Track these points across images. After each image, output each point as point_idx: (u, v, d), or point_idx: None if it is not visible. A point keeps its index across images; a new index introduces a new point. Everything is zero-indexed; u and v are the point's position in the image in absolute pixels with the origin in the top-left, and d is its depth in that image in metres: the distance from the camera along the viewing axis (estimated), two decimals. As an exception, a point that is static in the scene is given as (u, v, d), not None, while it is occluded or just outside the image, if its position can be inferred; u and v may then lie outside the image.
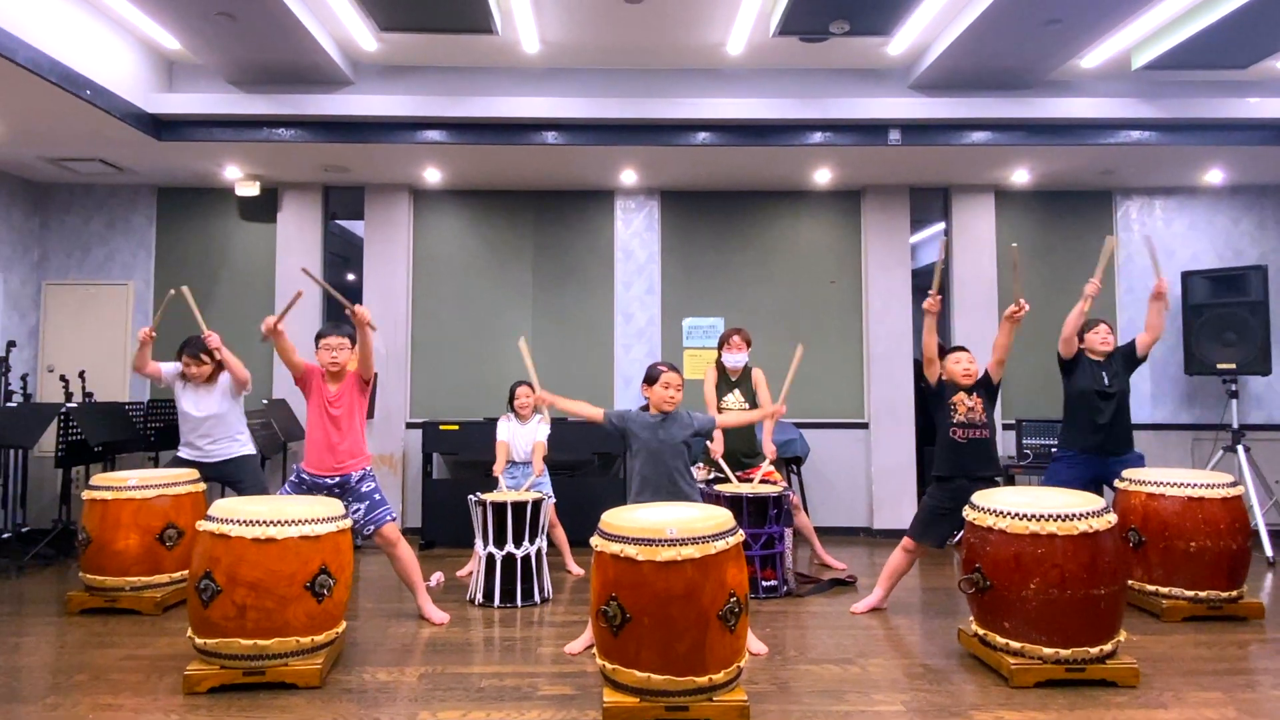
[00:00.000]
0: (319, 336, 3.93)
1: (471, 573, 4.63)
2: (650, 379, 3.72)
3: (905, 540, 4.10)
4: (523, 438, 4.92)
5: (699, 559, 2.76)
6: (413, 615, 4.08)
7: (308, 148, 5.37)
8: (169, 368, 4.56)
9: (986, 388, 4.07)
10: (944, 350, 7.91)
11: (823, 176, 6.14)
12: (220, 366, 4.55)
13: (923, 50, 4.99)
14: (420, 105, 5.11)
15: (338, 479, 3.88)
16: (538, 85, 5.28)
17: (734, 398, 4.82)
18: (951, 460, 4.00)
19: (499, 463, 4.83)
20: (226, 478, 4.58)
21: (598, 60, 5.23)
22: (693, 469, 3.88)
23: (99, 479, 4.21)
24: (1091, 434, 4.44)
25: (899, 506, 6.15)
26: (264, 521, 3.12)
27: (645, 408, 3.82)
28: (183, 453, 4.57)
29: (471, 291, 6.47)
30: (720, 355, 4.93)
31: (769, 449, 4.66)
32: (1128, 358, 4.54)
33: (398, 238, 6.37)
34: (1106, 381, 4.46)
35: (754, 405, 4.85)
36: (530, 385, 4.93)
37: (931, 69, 4.94)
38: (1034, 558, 3.12)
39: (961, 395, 4.04)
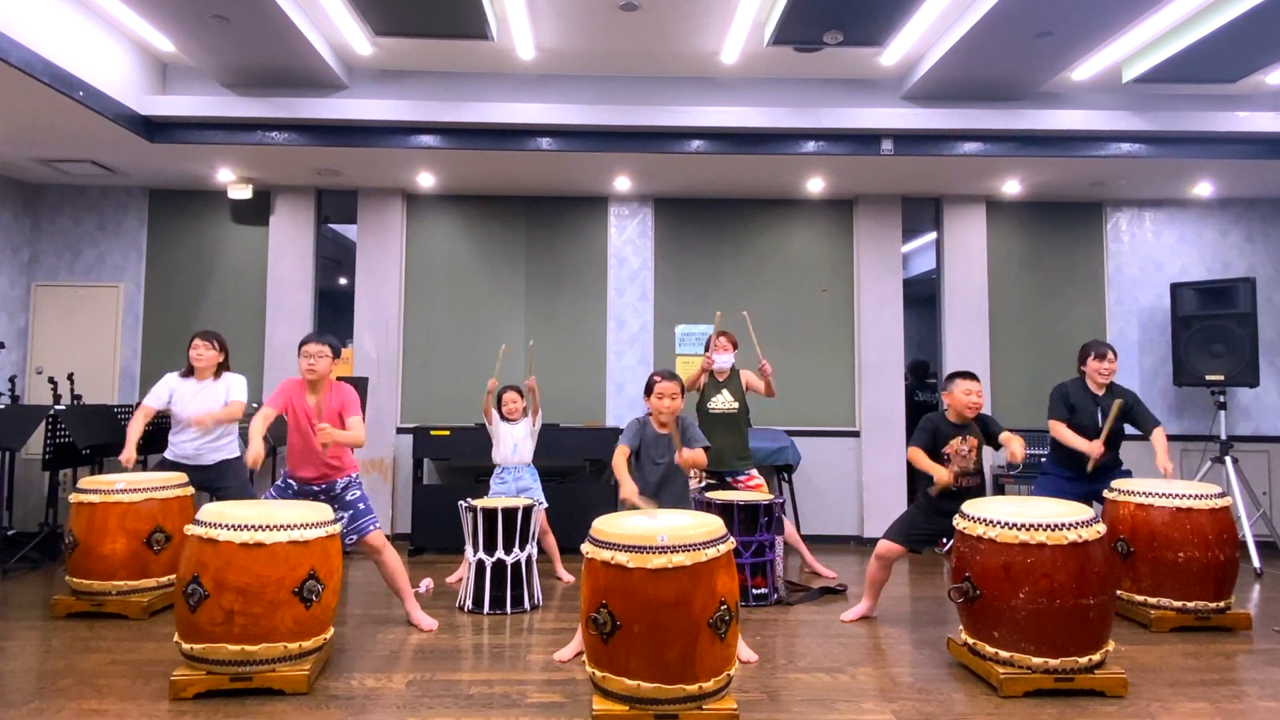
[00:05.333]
0: (301, 344, 3.90)
1: (461, 579, 4.61)
2: (648, 390, 3.76)
3: (879, 547, 4.10)
4: (511, 435, 4.91)
5: (690, 566, 2.76)
6: (401, 621, 4.07)
7: (301, 151, 5.37)
8: (162, 386, 4.50)
9: (985, 427, 4.03)
10: (923, 369, 7.88)
11: (815, 185, 6.16)
12: (225, 365, 4.54)
13: (915, 61, 5.02)
14: (414, 110, 5.11)
15: (323, 485, 3.87)
16: (532, 91, 5.29)
17: (723, 398, 4.84)
18: (939, 500, 3.98)
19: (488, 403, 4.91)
20: (212, 482, 4.55)
21: (593, 67, 5.24)
22: (689, 478, 3.91)
23: (86, 482, 4.18)
24: (1080, 464, 4.45)
25: (890, 515, 6.08)
26: (253, 526, 3.10)
27: (649, 417, 3.83)
28: (170, 454, 4.54)
29: (464, 297, 6.47)
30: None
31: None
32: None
33: (390, 242, 6.36)
34: (1101, 423, 4.43)
35: (744, 404, 4.87)
36: (519, 390, 4.95)
37: (924, 80, 4.97)
38: (1023, 567, 3.13)
39: (955, 442, 3.98)
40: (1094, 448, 4.31)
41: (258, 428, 3.69)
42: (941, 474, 3.85)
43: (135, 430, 4.37)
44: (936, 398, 7.50)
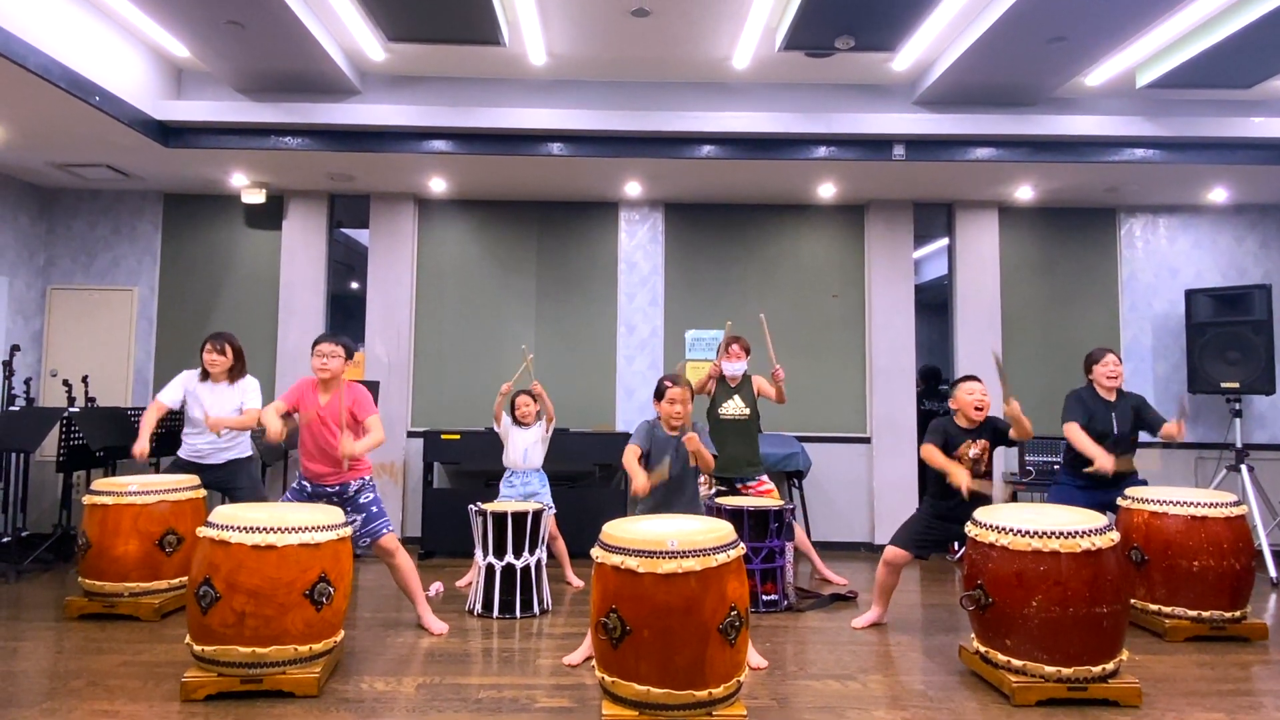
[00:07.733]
0: (315, 343, 3.91)
1: (471, 583, 4.62)
2: (658, 395, 3.76)
3: (887, 553, 4.07)
4: (522, 440, 4.91)
5: (700, 572, 2.75)
6: (411, 625, 4.07)
7: (314, 156, 5.40)
8: (177, 384, 4.50)
9: (995, 429, 3.99)
10: (934, 376, 7.82)
11: (826, 190, 6.15)
12: (239, 368, 4.53)
13: (927, 66, 5.01)
14: (426, 115, 5.13)
15: (337, 487, 3.88)
16: (544, 97, 5.31)
17: (734, 404, 4.83)
18: (945, 503, 3.95)
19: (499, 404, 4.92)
20: (224, 482, 4.56)
21: (604, 72, 5.25)
22: (699, 485, 3.91)
23: (100, 484, 4.21)
24: (1094, 472, 4.39)
25: (900, 521, 6.10)
26: (264, 529, 3.11)
27: (659, 420, 3.83)
28: (183, 453, 4.56)
29: (475, 301, 6.48)
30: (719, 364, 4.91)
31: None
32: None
33: (402, 247, 6.38)
34: (1116, 429, 4.37)
35: (754, 411, 4.87)
36: (531, 395, 4.95)
37: (936, 85, 4.96)
38: (1036, 575, 3.11)
39: (966, 446, 3.95)
40: (1106, 461, 4.14)
41: (269, 415, 3.84)
42: (959, 472, 3.79)
43: (148, 423, 4.37)
44: (946, 406, 7.46)
